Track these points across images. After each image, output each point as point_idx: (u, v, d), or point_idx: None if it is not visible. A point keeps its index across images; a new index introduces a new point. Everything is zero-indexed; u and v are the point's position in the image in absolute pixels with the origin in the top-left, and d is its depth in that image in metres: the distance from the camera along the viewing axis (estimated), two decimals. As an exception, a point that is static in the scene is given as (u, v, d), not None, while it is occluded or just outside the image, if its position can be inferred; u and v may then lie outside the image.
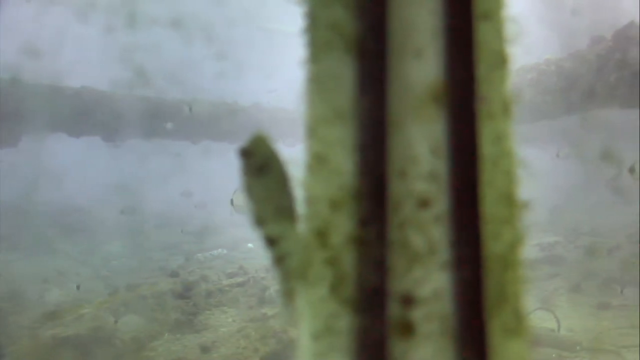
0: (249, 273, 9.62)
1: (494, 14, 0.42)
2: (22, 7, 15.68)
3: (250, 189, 0.46)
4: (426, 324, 0.40)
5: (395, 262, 0.41)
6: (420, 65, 0.41)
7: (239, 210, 5.83)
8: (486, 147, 0.41)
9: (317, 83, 0.42)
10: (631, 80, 7.58)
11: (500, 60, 0.42)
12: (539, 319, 6.49)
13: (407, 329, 0.40)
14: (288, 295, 0.44)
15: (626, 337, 6.32)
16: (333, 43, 0.42)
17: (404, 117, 0.41)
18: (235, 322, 7.30)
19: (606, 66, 8.02)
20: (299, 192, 0.44)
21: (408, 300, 0.40)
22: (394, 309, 0.40)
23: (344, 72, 0.42)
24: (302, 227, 0.43)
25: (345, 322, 0.41)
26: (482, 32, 0.42)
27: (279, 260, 0.45)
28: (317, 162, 0.42)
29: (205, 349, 6.43)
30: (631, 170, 6.37)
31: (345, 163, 0.42)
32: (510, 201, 0.42)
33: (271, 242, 0.45)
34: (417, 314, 0.40)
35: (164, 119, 12.08)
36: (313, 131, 0.42)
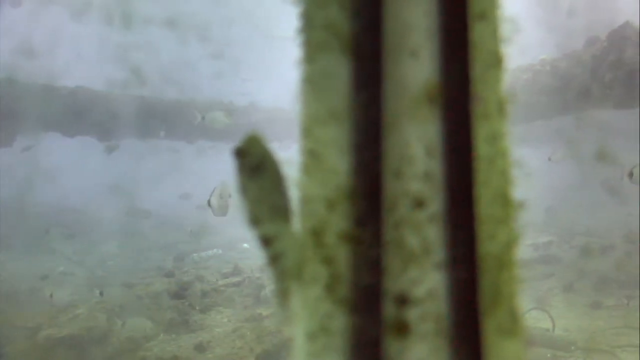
0: (245, 273, 9.62)
1: (489, 14, 0.42)
2: (17, 7, 15.62)
3: (245, 189, 0.46)
4: (421, 323, 0.40)
5: (390, 262, 0.41)
6: (415, 65, 0.41)
7: (217, 211, 5.65)
8: (481, 147, 0.41)
9: (312, 83, 0.42)
10: (626, 81, 7.61)
11: (496, 61, 0.42)
12: (533, 319, 6.51)
13: (402, 329, 0.40)
14: (283, 295, 0.44)
15: (621, 337, 6.35)
16: (328, 43, 0.42)
17: (399, 117, 0.41)
18: (230, 322, 7.30)
19: (601, 66, 8.05)
20: (294, 192, 0.44)
21: (403, 300, 0.40)
22: (389, 309, 0.40)
23: (339, 72, 0.42)
24: (297, 226, 0.43)
25: (340, 321, 0.41)
26: (477, 32, 0.42)
27: (274, 260, 0.45)
28: (312, 161, 0.42)
29: (200, 349, 6.43)
30: (630, 174, 6.39)
31: (340, 163, 0.42)
32: (505, 201, 0.42)
33: (266, 241, 0.45)
34: (413, 314, 0.40)
35: (162, 120, 12.07)
36: (308, 131, 0.42)
